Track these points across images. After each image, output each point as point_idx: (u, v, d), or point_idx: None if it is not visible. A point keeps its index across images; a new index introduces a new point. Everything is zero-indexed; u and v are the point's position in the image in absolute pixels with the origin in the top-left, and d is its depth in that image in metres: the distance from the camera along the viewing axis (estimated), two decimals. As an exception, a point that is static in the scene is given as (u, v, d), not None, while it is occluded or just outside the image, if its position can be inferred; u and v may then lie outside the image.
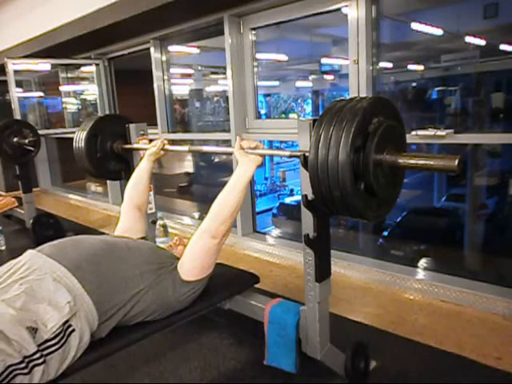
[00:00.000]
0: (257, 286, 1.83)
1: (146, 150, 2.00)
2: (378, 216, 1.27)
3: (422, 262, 2.75)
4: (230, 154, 1.57)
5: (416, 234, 3.75)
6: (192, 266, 1.49)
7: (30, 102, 5.86)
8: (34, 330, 1.13)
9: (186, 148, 1.99)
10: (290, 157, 1.42)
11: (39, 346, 1.13)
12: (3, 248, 3.43)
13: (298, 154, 1.33)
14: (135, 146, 2.19)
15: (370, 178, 1.11)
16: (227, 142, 3.15)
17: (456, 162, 1.03)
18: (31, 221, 3.54)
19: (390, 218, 4.11)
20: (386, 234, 3.94)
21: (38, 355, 1.11)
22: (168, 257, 1.57)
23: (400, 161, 1.14)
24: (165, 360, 1.81)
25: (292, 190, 10.17)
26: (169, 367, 1.76)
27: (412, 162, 1.14)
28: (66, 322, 1.19)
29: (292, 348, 1.54)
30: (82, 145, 2.14)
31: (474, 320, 1.96)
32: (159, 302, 1.43)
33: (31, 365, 1.10)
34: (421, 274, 2.37)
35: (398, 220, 4.08)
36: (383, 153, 1.14)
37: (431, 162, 1.12)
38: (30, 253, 1.38)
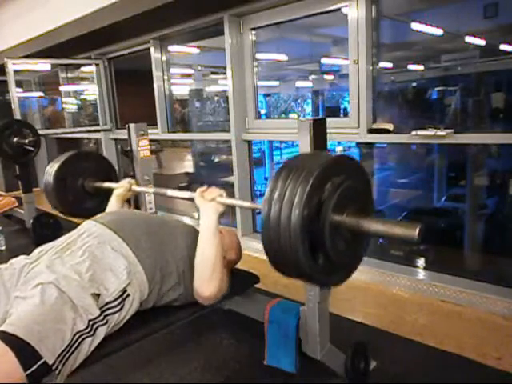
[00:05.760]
0: (257, 285, 1.83)
1: (113, 189, 2.02)
2: (336, 282, 1.18)
3: (422, 262, 2.75)
4: (192, 200, 1.57)
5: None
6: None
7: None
8: (97, 296, 1.24)
9: (151, 190, 2.07)
10: (251, 209, 1.41)
11: (101, 308, 1.24)
12: (3, 248, 3.43)
13: (259, 206, 1.26)
14: (105, 184, 2.12)
15: (326, 241, 1.02)
16: (227, 142, 3.15)
17: (416, 231, 0.96)
18: (31, 221, 3.54)
19: (390, 218, 4.11)
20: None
21: (101, 317, 1.23)
22: None
23: (360, 225, 1.04)
24: (165, 360, 1.81)
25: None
26: (169, 367, 1.76)
27: (373, 227, 1.04)
28: (124, 287, 1.31)
29: (292, 348, 1.54)
30: (51, 183, 2.05)
31: (474, 320, 1.96)
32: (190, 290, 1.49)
33: (95, 326, 1.20)
34: (421, 273, 2.37)
35: (398, 220, 4.08)
36: (342, 215, 1.04)
37: (392, 230, 1.01)
38: (88, 222, 1.50)
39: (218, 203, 1.51)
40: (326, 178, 1.03)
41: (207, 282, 1.44)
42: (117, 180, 2.19)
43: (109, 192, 2.07)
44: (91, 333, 1.19)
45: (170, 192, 1.72)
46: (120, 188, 1.99)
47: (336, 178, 1.04)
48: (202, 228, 1.50)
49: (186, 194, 1.65)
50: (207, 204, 1.51)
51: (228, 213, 3.41)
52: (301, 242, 0.98)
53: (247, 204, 1.42)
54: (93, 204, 2.20)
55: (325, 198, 1.02)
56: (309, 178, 0.99)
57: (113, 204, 1.98)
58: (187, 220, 3.91)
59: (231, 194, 3.13)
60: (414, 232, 0.96)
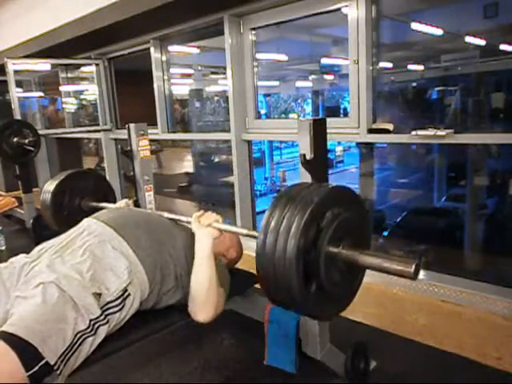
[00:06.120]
0: (257, 285, 1.83)
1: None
2: (328, 314, 1.17)
3: (422, 262, 2.75)
4: (189, 223, 1.58)
5: (416, 233, 3.75)
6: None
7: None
8: (98, 295, 1.24)
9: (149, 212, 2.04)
10: (247, 236, 1.41)
11: (102, 307, 1.24)
12: (3, 248, 3.43)
13: (256, 234, 1.27)
14: (101, 204, 2.12)
15: (321, 272, 1.01)
16: (227, 142, 3.15)
17: (412, 268, 0.95)
18: (31, 221, 3.54)
19: (390, 218, 4.11)
20: (386, 233, 3.94)
21: (102, 316, 1.23)
22: None
23: (356, 258, 1.03)
24: (165, 360, 1.81)
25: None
26: (169, 367, 1.76)
27: (369, 260, 1.04)
28: (125, 287, 1.31)
29: (292, 348, 1.54)
30: (49, 200, 2.08)
31: (474, 320, 1.95)
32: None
33: (96, 325, 1.21)
34: (421, 273, 2.37)
35: (398, 220, 4.08)
36: (338, 247, 1.04)
37: (389, 265, 1.01)
38: (87, 220, 1.51)
39: (213, 228, 1.51)
40: (323, 209, 1.03)
41: (202, 306, 1.43)
42: (115, 201, 2.19)
43: None
44: (92, 332, 1.19)
45: (167, 214, 1.72)
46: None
47: (334, 209, 1.04)
48: (197, 252, 1.48)
49: (184, 218, 1.65)
50: (203, 230, 1.50)
51: (229, 213, 3.41)
52: (295, 272, 0.97)
53: (244, 231, 1.42)
54: None
55: (321, 229, 1.02)
56: (306, 209, 0.98)
57: None
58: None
59: (231, 195, 3.13)
60: (411, 269, 0.95)
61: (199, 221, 1.52)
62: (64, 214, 2.12)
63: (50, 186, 2.08)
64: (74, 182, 2.14)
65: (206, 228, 1.50)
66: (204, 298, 1.43)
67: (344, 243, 1.04)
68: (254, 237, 1.25)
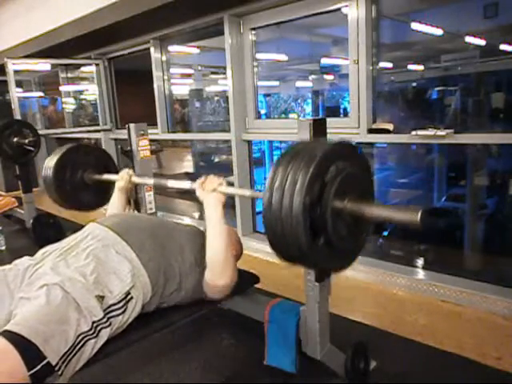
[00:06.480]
0: (257, 285, 1.83)
1: (113, 181, 2.02)
2: (337, 267, 1.19)
3: (422, 262, 2.75)
4: (193, 191, 1.57)
5: (416, 233, 3.75)
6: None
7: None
8: (101, 298, 1.25)
9: (151, 181, 2.06)
10: (253, 197, 1.42)
11: (105, 310, 1.25)
12: (3, 248, 3.43)
13: (260, 195, 1.28)
14: (104, 176, 2.12)
15: (328, 227, 1.02)
16: (227, 142, 3.14)
17: (418, 215, 0.96)
18: (31, 221, 3.54)
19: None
20: (386, 234, 3.94)
21: (105, 319, 1.23)
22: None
23: (362, 210, 1.05)
24: (165, 360, 1.81)
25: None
26: (169, 367, 1.76)
27: (376, 212, 1.06)
28: (128, 290, 1.31)
29: (292, 348, 1.54)
30: (51, 176, 2.06)
31: (474, 320, 1.95)
32: (196, 288, 1.51)
33: (99, 328, 1.21)
34: (421, 273, 2.37)
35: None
36: (344, 201, 1.04)
37: (394, 215, 1.04)
38: (92, 225, 1.51)
39: (219, 193, 1.50)
40: (327, 164, 1.03)
41: (220, 272, 1.46)
42: (116, 172, 2.18)
43: (108, 184, 2.07)
44: (94, 334, 1.19)
45: (170, 182, 1.71)
46: (120, 181, 1.98)
47: (338, 164, 1.05)
48: (209, 220, 1.49)
49: (187, 185, 1.65)
50: (209, 195, 1.50)
51: (228, 213, 3.41)
52: (303, 228, 0.98)
53: (248, 193, 1.44)
54: (92, 197, 2.19)
55: (326, 185, 1.02)
56: (310, 165, 0.99)
57: (116, 197, 1.97)
58: (187, 220, 3.91)
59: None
60: (416, 217, 0.96)
61: (203, 187, 1.52)
62: (67, 188, 2.10)
63: (50, 162, 2.07)
64: (74, 156, 2.12)
65: (211, 194, 1.50)
66: (222, 264, 1.45)
67: (349, 197, 1.05)
68: (259, 197, 1.26)
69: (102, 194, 2.16)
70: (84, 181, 2.14)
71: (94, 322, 1.20)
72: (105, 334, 1.23)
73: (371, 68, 2.33)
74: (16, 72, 3.83)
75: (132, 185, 2.04)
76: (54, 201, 2.16)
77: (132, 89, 5.15)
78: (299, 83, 7.35)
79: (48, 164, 2.08)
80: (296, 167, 1.00)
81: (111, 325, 1.25)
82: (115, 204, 1.96)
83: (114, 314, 1.27)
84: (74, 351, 1.13)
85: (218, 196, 1.50)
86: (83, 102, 5.62)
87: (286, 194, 0.99)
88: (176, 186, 1.68)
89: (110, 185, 2.06)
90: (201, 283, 1.52)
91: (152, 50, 3.64)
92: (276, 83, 6.88)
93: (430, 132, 2.07)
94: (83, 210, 2.19)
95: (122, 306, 1.29)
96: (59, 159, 2.06)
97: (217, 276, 1.46)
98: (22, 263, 1.34)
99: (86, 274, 1.27)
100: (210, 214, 1.49)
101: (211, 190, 1.50)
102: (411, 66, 3.83)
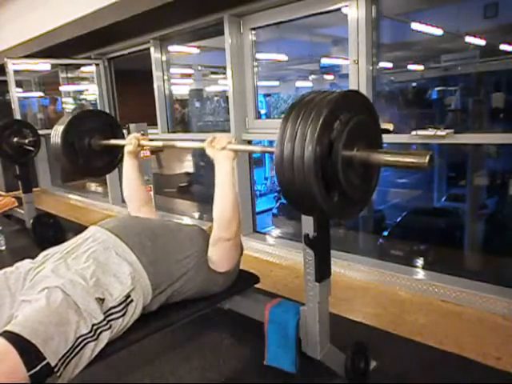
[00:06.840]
0: (257, 285, 1.83)
1: (121, 146, 1.98)
2: (349, 214, 1.23)
3: (422, 262, 2.75)
4: (203, 149, 1.58)
5: (416, 233, 3.75)
6: (219, 262, 1.57)
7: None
8: (101, 301, 1.24)
9: (160, 143, 2.05)
10: (263, 153, 1.43)
11: (105, 313, 1.24)
12: (3, 248, 3.43)
13: (270, 150, 1.31)
14: (111, 141, 2.10)
15: (339, 176, 1.04)
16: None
17: (426, 158, 0.98)
18: (31, 221, 3.54)
19: (390, 218, 4.11)
20: (385, 234, 3.94)
21: (104, 322, 1.23)
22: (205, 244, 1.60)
23: (371, 158, 1.08)
24: (165, 360, 1.81)
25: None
26: (169, 367, 1.76)
27: (384, 158, 1.09)
28: (128, 292, 1.31)
29: (292, 348, 1.54)
30: (60, 146, 2.03)
31: (474, 320, 1.96)
32: (201, 284, 1.53)
33: (99, 331, 1.21)
34: (421, 273, 2.37)
35: (398, 220, 4.08)
36: (353, 149, 1.07)
37: (403, 159, 1.06)
38: (93, 228, 1.51)
39: (229, 150, 1.51)
40: (335, 114, 1.05)
41: (228, 223, 1.49)
42: (123, 137, 2.16)
43: (117, 149, 2.06)
44: (94, 337, 1.19)
45: (179, 143, 1.70)
46: (129, 145, 1.93)
47: (345, 114, 1.06)
48: (219, 173, 1.51)
49: (196, 144, 1.64)
50: (219, 153, 1.51)
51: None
52: (314, 177, 1.00)
53: (258, 149, 1.45)
54: (102, 163, 2.18)
55: (335, 135, 1.04)
56: (319, 116, 1.00)
57: (128, 165, 1.93)
58: (187, 220, 3.91)
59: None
60: (425, 160, 0.98)
61: (212, 146, 1.52)
62: (75, 154, 2.07)
63: (58, 129, 2.05)
64: (80, 123, 2.09)
65: (221, 151, 1.50)
66: (230, 215, 1.49)
67: (358, 146, 1.07)
68: (270, 152, 1.27)
69: (111, 159, 2.17)
70: (92, 147, 2.12)
71: (93, 325, 1.19)
72: (105, 337, 1.22)
73: (371, 68, 2.33)
74: (16, 72, 3.84)
75: (142, 149, 2.00)
76: (65, 169, 2.17)
77: (132, 89, 5.15)
78: (299, 83, 7.34)
79: (55, 132, 2.05)
80: (305, 119, 1.02)
81: (111, 327, 1.25)
82: (128, 172, 1.92)
83: (114, 316, 1.27)
84: (74, 353, 1.13)
85: (227, 153, 1.51)
86: (83, 102, 5.62)
87: (296, 145, 1.01)
88: (185, 146, 1.66)
89: (118, 149, 2.04)
90: (205, 282, 1.53)
91: (152, 50, 3.64)
92: (276, 83, 6.88)
93: (430, 132, 2.07)
94: (93, 176, 2.18)
95: (123, 309, 1.29)
96: (67, 125, 2.03)
97: (222, 228, 1.49)
98: (24, 266, 1.35)
99: (86, 277, 1.28)
100: (220, 168, 1.51)
101: (221, 148, 1.51)
102: (411, 66, 3.83)
